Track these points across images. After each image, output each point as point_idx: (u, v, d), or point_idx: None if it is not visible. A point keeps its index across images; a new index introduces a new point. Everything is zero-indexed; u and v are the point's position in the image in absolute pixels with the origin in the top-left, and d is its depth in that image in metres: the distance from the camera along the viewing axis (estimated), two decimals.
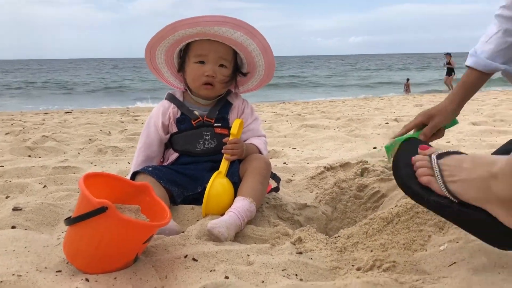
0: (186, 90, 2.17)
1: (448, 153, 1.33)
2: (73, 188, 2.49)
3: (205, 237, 1.70)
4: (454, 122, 2.00)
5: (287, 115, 6.56)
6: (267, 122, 5.85)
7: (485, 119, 5.32)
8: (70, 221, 1.36)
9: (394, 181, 2.25)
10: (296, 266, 1.41)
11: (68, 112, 12.31)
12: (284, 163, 2.97)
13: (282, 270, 1.39)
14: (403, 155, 1.45)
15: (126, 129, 5.31)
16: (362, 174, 2.48)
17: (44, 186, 2.49)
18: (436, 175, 1.27)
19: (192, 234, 1.70)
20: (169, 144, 2.17)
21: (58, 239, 1.83)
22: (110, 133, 5.38)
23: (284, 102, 12.44)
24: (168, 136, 2.15)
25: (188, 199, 2.07)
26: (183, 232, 1.83)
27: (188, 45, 2.04)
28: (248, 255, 1.47)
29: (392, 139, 1.93)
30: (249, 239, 1.77)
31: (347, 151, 3.43)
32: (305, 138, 4.29)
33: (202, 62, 2.01)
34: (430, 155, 1.33)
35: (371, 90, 21.96)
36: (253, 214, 1.87)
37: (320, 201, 2.27)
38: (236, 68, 2.12)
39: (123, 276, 1.33)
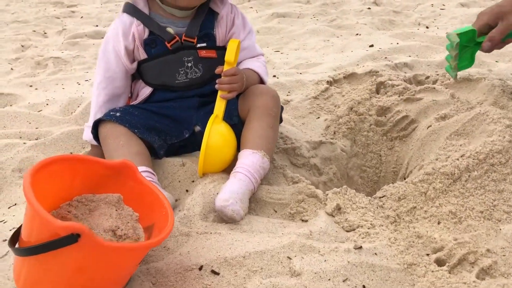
0: None
1: None
2: (13, 133, 1.91)
3: (213, 216, 1.26)
4: None
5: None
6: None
7: None
8: (22, 252, 0.86)
9: (423, 102, 1.84)
10: (360, 271, 1.01)
11: None
12: (274, 76, 2.44)
13: (343, 280, 0.98)
14: None
15: (65, 29, 4.46)
16: (378, 91, 2.03)
17: None
18: None
19: (194, 213, 1.25)
20: (138, 74, 1.60)
21: (3, 222, 1.35)
22: (45, 33, 4.51)
23: None
24: (135, 65, 1.57)
25: (173, 147, 1.58)
26: (176, 201, 1.38)
27: None
28: (290, 258, 1.04)
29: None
30: (266, 206, 1.35)
31: (340, 52, 2.92)
32: (282, 33, 3.69)
33: None
34: None
35: None
36: (266, 171, 1.42)
37: (335, 133, 1.83)
38: None
39: None
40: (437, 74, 2.10)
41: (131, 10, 1.53)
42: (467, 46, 1.65)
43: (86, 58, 3.24)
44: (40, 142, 1.77)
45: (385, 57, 2.66)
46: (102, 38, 4.03)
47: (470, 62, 1.72)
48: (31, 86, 2.57)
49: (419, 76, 2.12)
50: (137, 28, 1.52)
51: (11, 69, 3.09)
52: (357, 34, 3.47)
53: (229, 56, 1.47)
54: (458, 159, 1.29)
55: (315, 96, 2.10)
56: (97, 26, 4.59)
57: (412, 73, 2.20)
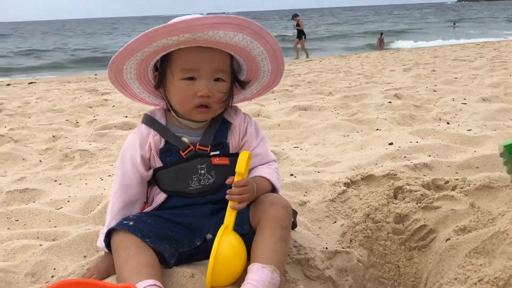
0: (169, 110, 1.62)
1: None
2: (32, 233, 1.94)
3: None
4: None
5: (272, 90, 5.99)
6: (252, 101, 5.29)
7: (491, 90, 4.89)
8: None
9: (442, 211, 1.80)
10: None
11: (32, 83, 11.47)
12: (292, 175, 2.46)
13: None
14: None
15: (95, 119, 4.67)
16: (395, 196, 2.00)
17: None
18: None
19: None
20: (154, 181, 1.63)
21: None
22: (77, 122, 4.74)
23: None
24: (150, 172, 1.61)
25: (184, 255, 1.56)
26: None
27: (168, 54, 1.48)
28: None
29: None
30: None
31: (359, 149, 2.94)
32: (302, 127, 3.76)
33: (192, 79, 1.46)
34: None
35: None
36: (276, 287, 1.38)
37: (351, 240, 1.79)
38: (233, 76, 1.58)
39: None
40: (457, 180, 2.06)
41: (149, 121, 1.60)
42: None
43: (112, 150, 3.36)
44: (55, 244, 1.79)
45: (404, 156, 2.66)
46: (131, 129, 4.23)
47: None
48: (55, 181, 2.65)
49: (438, 180, 2.09)
50: (153, 138, 1.57)
51: (40, 161, 3.22)
52: (377, 129, 3.51)
53: (240, 167, 1.49)
54: (476, 284, 1.23)
55: (332, 199, 2.08)
56: (126, 117, 4.80)
57: (431, 177, 2.17)
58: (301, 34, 16.00)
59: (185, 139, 1.59)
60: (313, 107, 4.55)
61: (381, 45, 18.99)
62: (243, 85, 1.65)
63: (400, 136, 3.11)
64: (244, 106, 4.28)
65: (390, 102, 4.42)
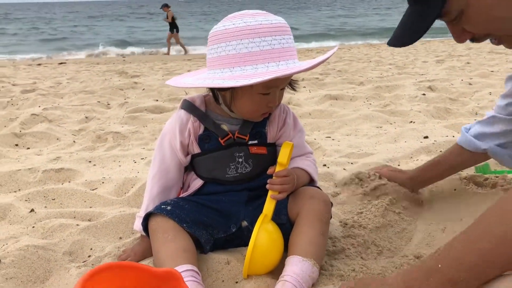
0: (209, 95, 1.61)
1: None
2: (68, 212, 1.97)
3: None
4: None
5: (302, 78, 5.93)
6: None
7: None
8: None
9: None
10: None
11: (62, 63, 11.67)
12: (324, 165, 2.43)
13: None
14: None
15: (126, 101, 4.71)
16: None
17: (31, 211, 1.97)
18: None
19: None
20: (191, 167, 1.64)
21: None
22: (108, 104, 4.79)
23: None
24: (189, 158, 1.61)
25: (219, 241, 1.57)
26: None
27: None
28: None
29: None
30: None
31: (393, 142, 2.88)
32: (334, 117, 3.72)
33: (267, 94, 1.45)
34: None
35: None
36: (315, 281, 1.38)
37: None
38: None
39: None
40: (497, 177, 2.01)
41: (188, 107, 1.60)
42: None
43: (144, 134, 3.39)
44: (92, 225, 1.82)
45: (440, 151, 2.60)
46: (161, 113, 4.25)
47: None
48: (90, 162, 2.69)
49: (477, 177, 2.04)
50: (193, 124, 1.57)
51: (74, 141, 3.27)
52: (411, 122, 3.44)
53: (282, 158, 1.48)
54: None
55: (364, 193, 2.05)
56: (157, 100, 4.83)
57: (470, 174, 2.12)
58: (172, 27, 14.66)
59: (224, 127, 1.58)
60: (344, 97, 4.48)
61: None
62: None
63: (435, 130, 3.04)
64: None
65: (424, 94, 4.32)
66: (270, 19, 1.40)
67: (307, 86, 5.36)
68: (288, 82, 1.51)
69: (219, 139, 1.57)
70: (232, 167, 1.58)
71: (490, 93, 4.29)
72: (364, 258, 1.59)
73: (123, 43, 19.15)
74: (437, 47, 11.64)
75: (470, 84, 4.99)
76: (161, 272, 1.07)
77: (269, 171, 1.49)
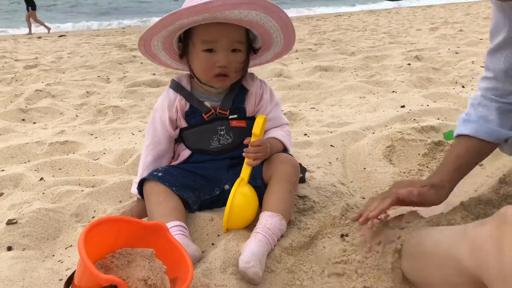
0: (193, 77, 1.83)
1: None
2: (73, 180, 2.22)
3: (231, 269, 1.46)
4: None
5: (296, 49, 6.08)
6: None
7: None
8: None
9: None
10: None
11: (62, 36, 11.78)
12: (305, 134, 2.66)
13: None
14: None
15: (125, 76, 4.92)
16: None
17: (41, 179, 2.22)
18: None
19: (215, 266, 1.46)
20: (180, 139, 1.87)
21: (60, 262, 1.62)
22: (108, 79, 5.00)
23: None
24: (177, 131, 1.85)
25: (205, 203, 1.82)
26: (203, 252, 1.59)
27: (191, 28, 1.67)
28: None
29: None
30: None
31: (372, 111, 3.09)
32: (321, 88, 3.92)
33: (211, 50, 1.65)
34: None
35: None
36: (283, 232, 1.63)
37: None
38: (249, 46, 1.77)
39: None
40: None
41: (176, 87, 1.82)
42: None
43: (142, 107, 3.61)
44: (95, 190, 2.06)
45: (414, 119, 2.82)
46: (158, 87, 4.46)
47: None
48: (91, 134, 2.93)
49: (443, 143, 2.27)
50: (180, 102, 1.79)
51: (76, 115, 3.50)
52: (393, 92, 3.64)
53: (256, 129, 1.70)
54: None
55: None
56: (154, 74, 5.02)
57: (437, 139, 2.34)
58: (28, 4, 14.26)
59: (207, 104, 1.80)
60: (334, 68, 4.67)
61: None
62: (257, 52, 1.83)
63: (413, 99, 3.24)
64: (267, 65, 4.43)
65: (409, 64, 4.50)
66: None
67: (299, 57, 5.52)
68: (238, 41, 1.66)
69: (203, 114, 1.79)
70: (215, 139, 1.81)
71: (473, 62, 4.46)
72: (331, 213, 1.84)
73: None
74: (436, 13, 11.64)
75: (456, 53, 5.14)
76: (150, 225, 1.31)
77: (245, 141, 1.72)
